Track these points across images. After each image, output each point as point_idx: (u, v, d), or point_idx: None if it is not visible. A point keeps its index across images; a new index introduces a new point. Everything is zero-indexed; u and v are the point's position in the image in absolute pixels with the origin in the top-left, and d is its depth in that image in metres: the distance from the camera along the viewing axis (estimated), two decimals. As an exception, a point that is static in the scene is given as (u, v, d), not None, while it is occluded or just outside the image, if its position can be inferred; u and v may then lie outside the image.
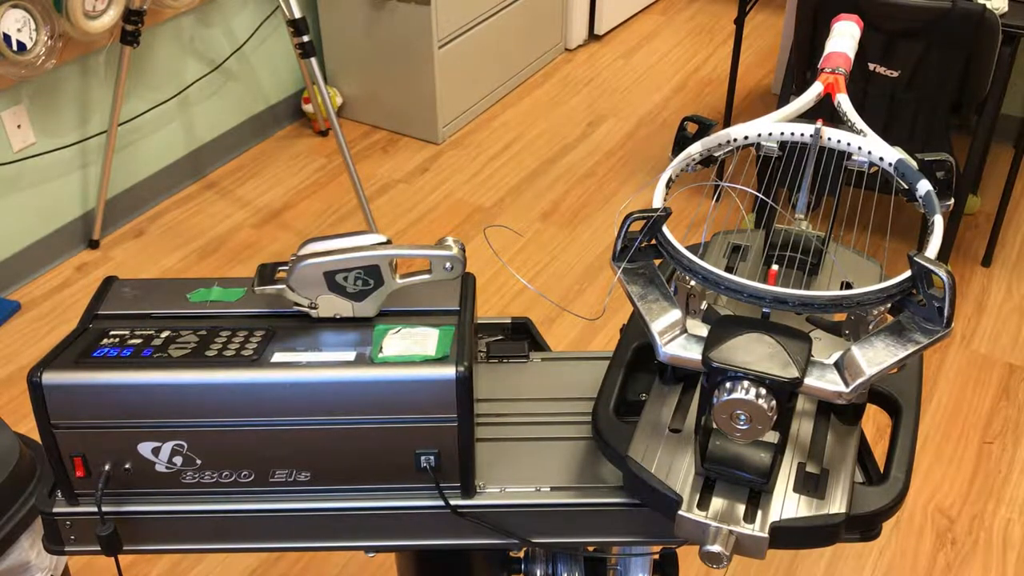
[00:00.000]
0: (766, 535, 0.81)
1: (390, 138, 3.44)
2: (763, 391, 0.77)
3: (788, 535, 0.82)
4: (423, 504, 0.93)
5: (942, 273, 0.77)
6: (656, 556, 1.22)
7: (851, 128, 0.97)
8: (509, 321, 1.18)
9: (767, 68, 3.85)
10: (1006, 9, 2.36)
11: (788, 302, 0.79)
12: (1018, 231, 2.93)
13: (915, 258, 0.78)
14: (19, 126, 2.60)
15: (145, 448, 0.89)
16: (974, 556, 1.98)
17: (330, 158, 3.31)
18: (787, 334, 0.80)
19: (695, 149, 0.95)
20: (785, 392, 0.77)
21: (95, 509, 0.90)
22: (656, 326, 0.82)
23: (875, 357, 0.78)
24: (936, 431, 2.27)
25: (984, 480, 2.15)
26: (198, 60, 3.06)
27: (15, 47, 2.37)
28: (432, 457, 0.90)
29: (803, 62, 2.59)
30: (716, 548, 0.81)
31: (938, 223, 0.85)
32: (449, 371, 0.87)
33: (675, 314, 0.83)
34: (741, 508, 0.84)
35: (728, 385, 0.78)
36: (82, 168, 2.83)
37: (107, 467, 0.90)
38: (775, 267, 0.95)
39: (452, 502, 0.92)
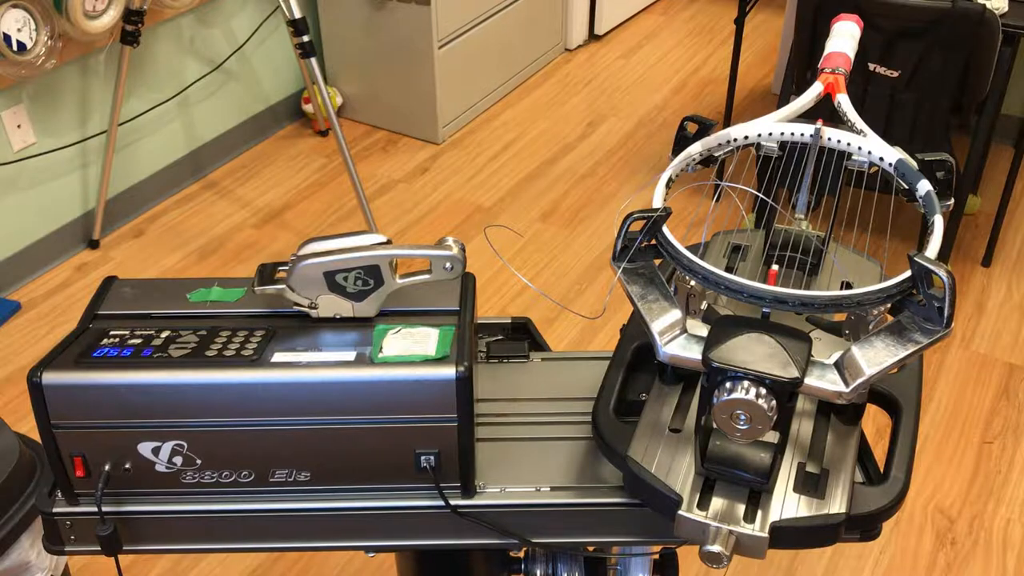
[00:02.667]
0: (766, 535, 0.81)
1: (390, 138, 3.44)
2: (763, 391, 0.77)
3: (788, 535, 0.82)
4: (423, 504, 0.93)
5: (942, 273, 0.77)
6: (656, 556, 1.22)
7: (851, 128, 0.97)
8: (509, 321, 1.18)
9: (767, 68, 3.85)
10: (1006, 9, 2.36)
11: (788, 302, 0.80)
12: (1018, 231, 2.93)
13: (915, 258, 0.78)
14: (19, 126, 2.60)
15: (145, 448, 0.89)
16: (974, 556, 1.98)
17: (330, 158, 3.31)
18: (787, 334, 0.80)
19: (695, 149, 0.95)
20: (785, 392, 0.77)
21: (95, 509, 0.90)
22: (656, 326, 0.82)
23: (875, 357, 0.78)
24: (936, 431, 2.27)
25: (984, 480, 2.15)
26: (198, 60, 3.06)
27: (15, 47, 2.37)
28: (432, 457, 0.90)
29: (803, 62, 2.59)
30: (716, 548, 0.81)
31: (938, 223, 0.85)
32: (449, 371, 0.87)
33: (675, 314, 0.83)
34: (741, 508, 0.84)
35: (728, 385, 0.78)
36: (82, 168, 2.83)
37: (107, 467, 0.90)
38: (775, 267, 0.95)
39: (452, 502, 0.92)
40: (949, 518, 2.06)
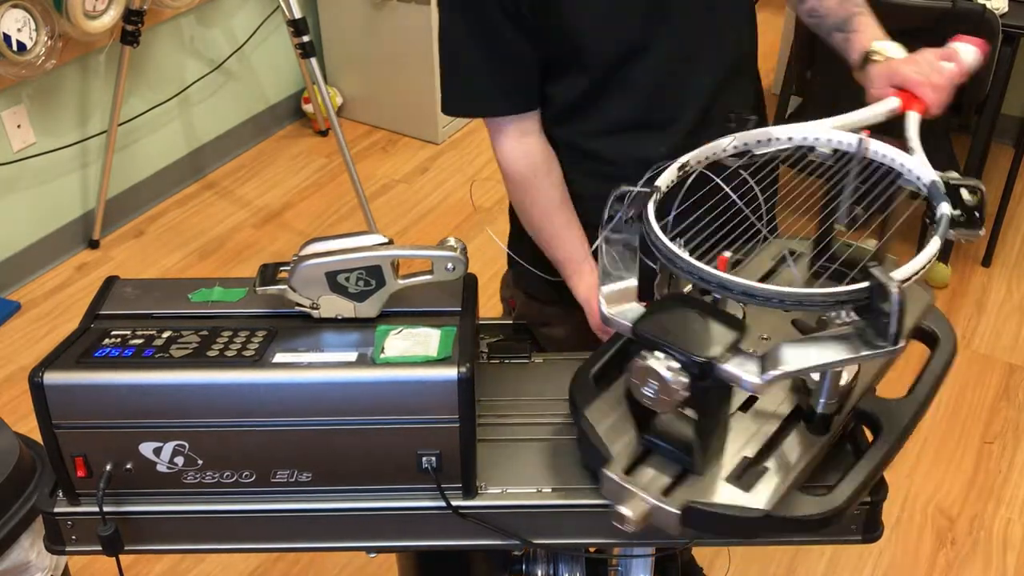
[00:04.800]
0: (678, 511, 0.82)
1: (390, 138, 3.44)
2: (675, 365, 0.77)
3: (701, 518, 0.83)
4: (424, 505, 0.93)
5: (893, 289, 0.75)
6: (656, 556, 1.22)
7: (903, 145, 0.95)
8: (511, 322, 1.19)
9: (767, 68, 3.85)
10: (1006, 9, 2.36)
11: (732, 289, 0.78)
12: (1018, 231, 2.93)
13: (872, 271, 0.77)
14: (19, 126, 2.60)
15: (146, 448, 0.89)
16: (974, 556, 1.98)
17: (330, 158, 3.31)
18: (722, 319, 0.80)
19: (725, 141, 0.95)
20: (698, 371, 0.77)
21: (96, 509, 0.90)
22: (605, 288, 0.85)
23: (800, 356, 0.77)
24: (936, 431, 2.27)
25: (984, 480, 2.15)
26: (198, 60, 3.06)
27: (15, 47, 2.36)
28: (433, 458, 0.90)
29: (803, 62, 2.59)
30: (625, 511, 0.82)
31: (934, 244, 0.82)
32: (451, 372, 0.87)
33: (629, 283, 0.86)
34: (665, 481, 0.85)
35: (644, 352, 0.79)
36: (82, 168, 2.83)
37: (108, 467, 0.90)
38: (727, 254, 0.93)
39: (453, 503, 0.92)
40: (949, 518, 2.06)
